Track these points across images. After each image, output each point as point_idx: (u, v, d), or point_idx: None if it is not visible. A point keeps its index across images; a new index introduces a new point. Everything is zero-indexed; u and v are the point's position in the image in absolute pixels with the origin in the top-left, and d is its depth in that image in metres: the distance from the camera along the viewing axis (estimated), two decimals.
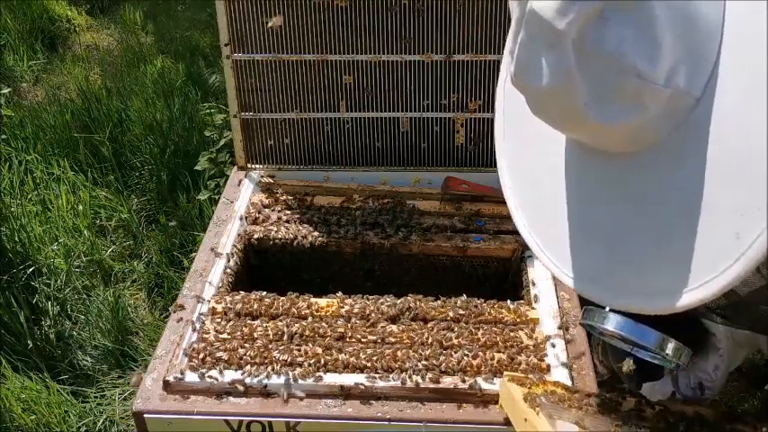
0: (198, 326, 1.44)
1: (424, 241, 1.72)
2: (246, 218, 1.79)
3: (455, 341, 1.40)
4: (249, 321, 1.45)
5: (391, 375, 1.32)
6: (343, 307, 1.49)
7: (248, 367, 1.34)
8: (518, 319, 1.47)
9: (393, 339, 1.41)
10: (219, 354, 1.37)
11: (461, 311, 1.47)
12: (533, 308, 1.52)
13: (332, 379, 1.32)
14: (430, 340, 1.40)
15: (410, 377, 1.31)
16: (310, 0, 1.75)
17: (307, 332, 1.42)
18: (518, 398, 1.15)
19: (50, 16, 4.92)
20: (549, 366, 1.36)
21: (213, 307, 1.49)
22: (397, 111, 1.89)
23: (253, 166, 1.97)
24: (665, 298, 0.85)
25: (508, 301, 1.52)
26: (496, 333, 1.43)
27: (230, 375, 1.33)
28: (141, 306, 2.78)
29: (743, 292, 1.08)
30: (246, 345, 1.39)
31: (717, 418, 1.16)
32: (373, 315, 1.47)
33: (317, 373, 1.33)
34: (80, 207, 3.09)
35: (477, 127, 1.90)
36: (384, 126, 1.91)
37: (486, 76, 1.82)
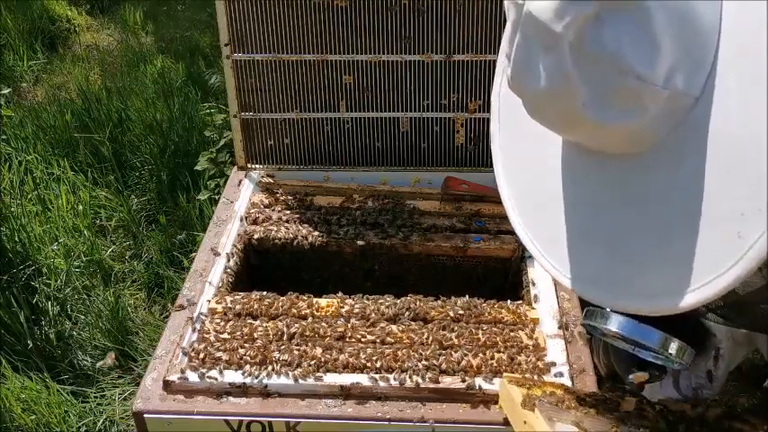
0: (198, 326, 1.44)
1: (424, 241, 1.72)
2: (246, 218, 1.79)
3: (455, 341, 1.40)
4: (249, 321, 1.45)
5: (391, 375, 1.32)
6: (343, 307, 1.49)
7: (248, 367, 1.34)
8: (518, 320, 1.47)
9: (393, 339, 1.41)
10: (219, 354, 1.37)
11: (461, 311, 1.47)
12: (533, 308, 1.52)
13: (332, 379, 1.32)
14: (430, 340, 1.40)
15: (410, 377, 1.31)
16: (310, 0, 1.76)
17: (307, 332, 1.42)
18: (517, 400, 1.15)
19: (50, 16, 4.92)
20: (548, 366, 1.36)
21: (213, 307, 1.49)
22: (397, 111, 1.89)
23: (253, 166, 1.97)
24: (667, 298, 0.84)
25: (508, 301, 1.52)
26: (496, 333, 1.42)
27: (230, 375, 1.33)
28: (141, 306, 2.78)
29: (743, 292, 1.08)
30: (246, 345, 1.39)
31: (717, 418, 1.15)
32: (373, 315, 1.47)
33: (317, 373, 1.33)
34: (80, 207, 3.09)
35: (477, 127, 1.90)
36: (384, 126, 1.91)
37: (486, 76, 1.82)
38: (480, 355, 1.37)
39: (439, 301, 1.51)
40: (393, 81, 1.85)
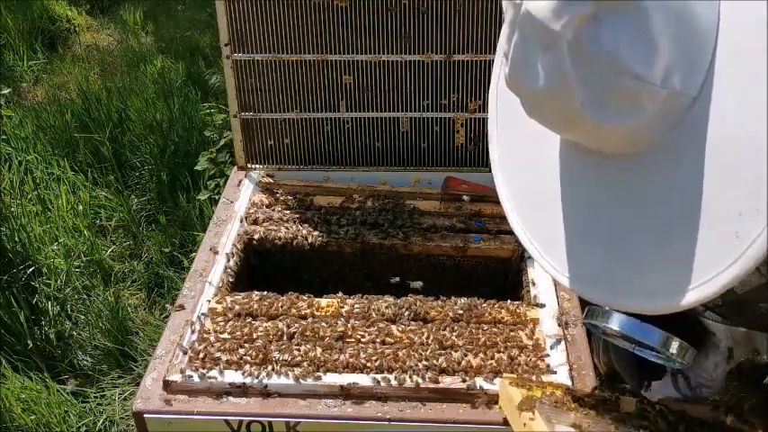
0: (198, 326, 1.44)
1: (424, 241, 1.72)
2: (246, 218, 1.79)
3: (455, 341, 1.40)
4: (249, 321, 1.45)
5: (391, 375, 1.32)
6: (343, 307, 1.49)
7: (248, 367, 1.34)
8: (518, 319, 1.47)
9: (393, 339, 1.41)
10: (219, 354, 1.37)
11: (461, 311, 1.48)
12: (533, 308, 1.52)
13: (332, 379, 1.32)
14: (430, 340, 1.40)
15: (410, 377, 1.32)
16: (310, 0, 1.76)
17: (307, 332, 1.42)
18: (517, 400, 1.15)
19: (50, 16, 4.92)
20: (548, 366, 1.36)
21: (213, 307, 1.50)
22: (397, 111, 1.89)
23: (253, 166, 1.97)
24: (666, 298, 0.85)
25: (508, 302, 1.52)
26: (496, 333, 1.43)
27: (230, 375, 1.33)
28: (141, 306, 2.78)
29: (741, 291, 1.08)
30: (246, 345, 1.39)
31: (717, 418, 1.15)
32: (373, 315, 1.47)
33: (317, 373, 1.33)
34: (80, 207, 3.10)
35: (477, 127, 1.90)
36: (384, 126, 1.91)
37: (486, 76, 1.82)
38: (480, 354, 1.37)
39: (439, 301, 1.51)
40: (393, 81, 1.85)
